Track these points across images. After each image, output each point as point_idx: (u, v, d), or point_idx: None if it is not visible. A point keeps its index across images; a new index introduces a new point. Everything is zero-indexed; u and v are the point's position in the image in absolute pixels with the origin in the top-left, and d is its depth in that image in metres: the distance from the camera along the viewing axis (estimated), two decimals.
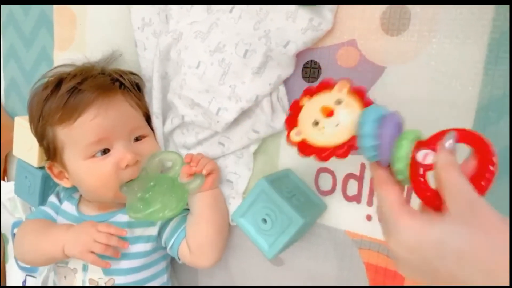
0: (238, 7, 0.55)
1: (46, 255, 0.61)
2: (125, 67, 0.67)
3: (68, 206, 0.66)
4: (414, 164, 0.35)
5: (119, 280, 0.61)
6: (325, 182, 0.55)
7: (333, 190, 0.55)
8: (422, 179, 0.35)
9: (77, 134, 0.58)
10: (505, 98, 0.44)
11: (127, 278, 0.61)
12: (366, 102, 0.39)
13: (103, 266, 0.58)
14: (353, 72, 0.51)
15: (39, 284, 0.83)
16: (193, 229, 0.60)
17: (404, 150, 0.35)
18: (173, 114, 0.63)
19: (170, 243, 0.62)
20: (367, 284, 0.54)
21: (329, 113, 0.40)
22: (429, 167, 0.35)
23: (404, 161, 0.35)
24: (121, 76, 0.62)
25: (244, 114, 0.57)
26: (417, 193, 0.35)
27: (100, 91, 0.58)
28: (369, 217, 0.53)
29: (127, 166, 0.57)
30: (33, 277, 0.85)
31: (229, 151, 0.61)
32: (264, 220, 0.52)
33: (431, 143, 0.35)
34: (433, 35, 0.46)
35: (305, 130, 0.40)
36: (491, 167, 0.34)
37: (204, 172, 0.57)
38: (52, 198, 0.69)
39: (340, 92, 0.40)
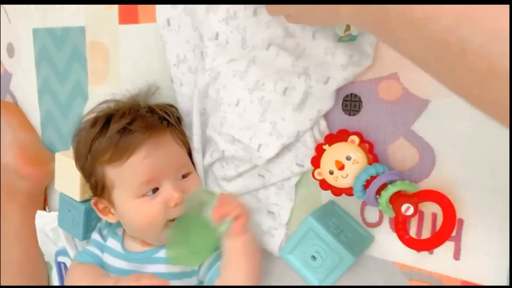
0: (274, 45, 0.55)
1: None
2: (162, 99, 0.68)
3: (113, 243, 0.67)
4: (397, 214, 0.48)
5: None
6: (371, 214, 0.55)
7: (380, 222, 0.55)
8: (401, 226, 0.48)
9: (128, 174, 0.59)
10: None
11: None
12: (373, 157, 0.50)
13: (164, 283, 0.57)
14: (396, 105, 0.51)
15: None
16: (224, 273, 0.58)
17: (383, 199, 0.48)
18: (212, 148, 0.64)
19: (207, 278, 0.62)
20: None
21: (341, 167, 0.51)
22: (409, 217, 0.47)
23: (384, 206, 0.48)
24: (167, 114, 0.63)
25: (285, 147, 0.58)
26: (398, 236, 0.48)
27: (150, 131, 0.59)
28: None
29: (175, 205, 0.59)
30: None
31: (269, 183, 0.62)
32: (313, 257, 0.52)
33: (414, 197, 0.47)
34: None
35: (325, 174, 0.52)
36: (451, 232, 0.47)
37: (231, 216, 0.54)
38: (96, 236, 0.70)
39: (353, 143, 0.51)
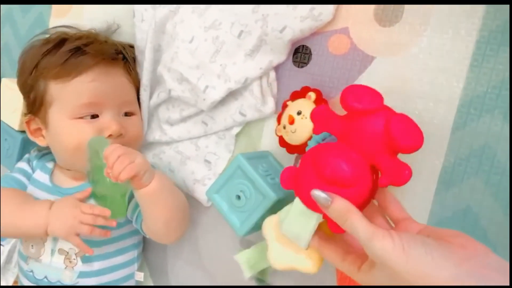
0: None
1: (24, 232, 0.58)
2: (121, 39, 0.67)
3: (41, 176, 0.64)
4: None
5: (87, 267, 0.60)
6: None
7: None
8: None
9: (70, 93, 0.57)
10: (487, 96, 0.44)
11: (99, 250, 0.60)
12: None
13: (87, 252, 0.56)
14: (342, 60, 0.52)
15: (6, 252, 0.81)
16: (144, 219, 0.57)
17: None
18: (160, 88, 0.63)
19: (134, 218, 0.61)
20: (334, 278, 0.53)
21: (291, 121, 0.50)
22: None
23: None
24: (124, 49, 0.62)
25: (231, 95, 0.57)
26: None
27: (103, 57, 0.58)
28: None
29: (110, 135, 0.57)
30: (1, 245, 0.83)
31: (211, 131, 0.61)
32: (238, 197, 0.51)
33: None
34: (424, 28, 0.47)
35: (280, 129, 0.52)
36: None
37: (122, 178, 0.49)
38: (23, 165, 0.66)
39: (309, 99, 0.50)
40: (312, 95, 0.51)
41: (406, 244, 0.32)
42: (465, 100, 0.45)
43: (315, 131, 0.41)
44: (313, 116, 0.41)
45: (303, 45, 0.54)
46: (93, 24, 0.68)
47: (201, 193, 0.61)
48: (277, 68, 0.56)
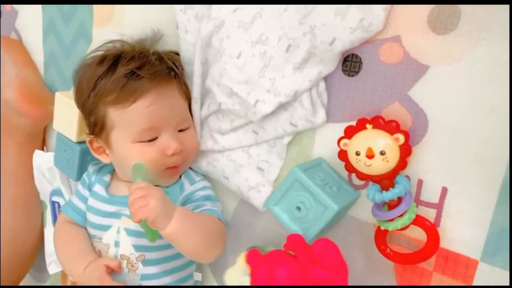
0: None
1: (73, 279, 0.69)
2: (165, 46, 0.68)
3: (99, 189, 0.69)
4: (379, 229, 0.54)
5: (150, 256, 0.64)
6: None
7: (365, 185, 0.55)
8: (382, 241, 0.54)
9: (130, 118, 0.60)
10: None
11: (158, 254, 0.64)
12: (402, 164, 0.49)
13: None
14: (395, 69, 0.51)
15: None
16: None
17: (396, 224, 0.50)
18: (210, 100, 0.64)
19: None
20: (393, 279, 0.55)
21: (370, 156, 0.49)
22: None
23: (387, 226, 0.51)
24: (174, 64, 0.63)
25: (281, 106, 0.58)
26: (379, 251, 0.54)
27: (158, 79, 0.60)
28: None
29: (172, 154, 0.60)
30: None
31: (262, 140, 0.62)
32: (298, 208, 0.53)
33: None
34: (484, 36, 0.45)
35: (350, 149, 0.51)
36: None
37: (134, 220, 0.54)
38: (81, 188, 0.72)
39: (396, 142, 0.48)
40: (401, 138, 0.48)
41: None
42: None
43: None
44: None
45: (352, 54, 0.54)
46: (135, 33, 0.69)
47: (256, 199, 0.63)
48: (326, 78, 0.56)
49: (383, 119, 0.50)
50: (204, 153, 0.68)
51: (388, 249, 0.53)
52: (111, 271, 0.63)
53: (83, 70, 0.64)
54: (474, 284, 0.50)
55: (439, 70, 0.48)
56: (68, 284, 0.99)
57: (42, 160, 0.90)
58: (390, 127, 0.49)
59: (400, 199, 0.50)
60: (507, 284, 0.48)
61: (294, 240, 0.52)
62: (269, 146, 0.63)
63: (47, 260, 0.93)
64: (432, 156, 0.50)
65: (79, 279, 0.64)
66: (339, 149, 0.52)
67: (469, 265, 0.50)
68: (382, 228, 0.51)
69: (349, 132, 0.51)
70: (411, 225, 0.51)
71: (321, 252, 0.49)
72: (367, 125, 0.50)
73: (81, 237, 0.69)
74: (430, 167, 0.50)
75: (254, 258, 0.52)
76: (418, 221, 0.50)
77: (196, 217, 0.59)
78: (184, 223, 0.55)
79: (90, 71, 0.63)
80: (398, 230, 0.51)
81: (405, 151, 0.48)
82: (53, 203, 0.91)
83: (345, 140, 0.51)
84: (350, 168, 0.52)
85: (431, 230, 0.50)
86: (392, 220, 0.50)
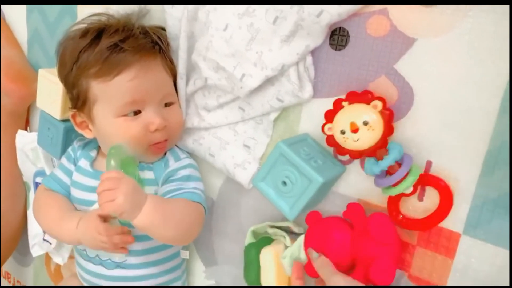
0: None
1: (64, 242, 0.70)
2: (151, 22, 0.67)
3: (84, 163, 0.68)
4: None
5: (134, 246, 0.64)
6: None
7: (350, 160, 0.55)
8: (394, 207, 0.53)
9: (113, 92, 0.59)
10: None
11: (143, 244, 0.64)
12: (389, 129, 0.49)
13: (122, 252, 0.61)
14: (382, 42, 0.51)
15: (53, 246, 0.86)
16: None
17: (401, 187, 0.49)
18: (196, 75, 0.63)
19: None
20: None
21: (355, 130, 0.49)
22: (406, 195, 0.52)
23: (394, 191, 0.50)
24: (159, 39, 0.62)
25: (267, 81, 0.57)
26: (391, 217, 0.53)
27: (142, 53, 0.59)
28: None
29: (155, 130, 0.59)
30: (49, 243, 0.88)
31: (248, 117, 0.62)
32: (284, 183, 0.53)
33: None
34: (470, 8, 0.45)
35: (335, 131, 0.51)
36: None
37: (102, 212, 0.56)
38: (64, 161, 0.71)
39: (374, 108, 0.48)
40: (379, 104, 0.48)
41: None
42: None
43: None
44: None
45: (340, 27, 0.53)
46: (122, 8, 0.68)
47: (242, 176, 0.63)
48: (313, 52, 0.55)
49: (356, 93, 0.50)
50: (190, 131, 0.68)
51: (401, 215, 0.52)
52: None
53: (66, 42, 0.63)
54: (456, 257, 0.50)
55: (425, 43, 0.48)
56: (52, 267, 0.98)
57: (26, 141, 0.88)
58: (365, 97, 0.49)
59: (400, 165, 0.49)
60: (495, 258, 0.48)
61: (354, 209, 0.53)
62: (256, 123, 0.62)
63: (31, 243, 0.91)
64: (417, 130, 0.50)
65: (74, 236, 0.62)
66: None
67: (452, 238, 0.50)
68: (386, 194, 0.51)
69: (329, 116, 0.52)
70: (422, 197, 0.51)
71: (376, 226, 0.50)
72: (343, 103, 0.51)
73: (64, 200, 0.68)
74: (415, 140, 0.50)
75: (314, 218, 0.56)
76: (431, 180, 0.50)
77: (169, 206, 0.57)
78: (154, 216, 0.54)
79: (73, 43, 0.61)
80: (405, 195, 0.50)
81: (387, 116, 0.48)
82: (36, 184, 0.89)
83: (328, 125, 0.52)
84: (341, 151, 0.51)
85: (445, 189, 0.49)
86: (396, 185, 0.49)
